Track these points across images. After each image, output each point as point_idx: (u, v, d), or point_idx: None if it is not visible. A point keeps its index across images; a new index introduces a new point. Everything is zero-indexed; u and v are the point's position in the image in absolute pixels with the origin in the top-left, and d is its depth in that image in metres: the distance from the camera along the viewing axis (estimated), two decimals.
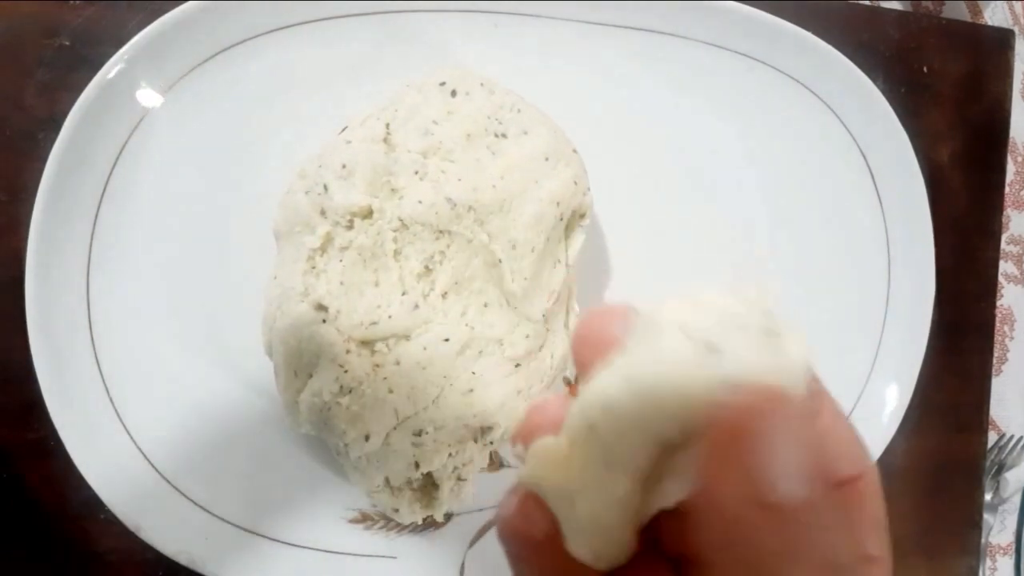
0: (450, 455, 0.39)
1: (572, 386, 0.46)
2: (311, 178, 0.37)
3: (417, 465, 0.38)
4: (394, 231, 0.36)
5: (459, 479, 0.40)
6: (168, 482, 0.40)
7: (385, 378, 0.36)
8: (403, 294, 0.36)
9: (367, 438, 0.37)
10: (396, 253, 0.36)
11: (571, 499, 0.17)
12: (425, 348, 0.36)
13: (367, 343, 0.36)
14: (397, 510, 0.41)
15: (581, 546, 0.17)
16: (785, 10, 0.46)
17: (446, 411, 0.37)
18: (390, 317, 0.35)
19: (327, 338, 0.35)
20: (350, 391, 0.36)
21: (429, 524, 0.43)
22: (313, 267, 0.36)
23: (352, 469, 0.40)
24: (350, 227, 0.36)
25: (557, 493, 0.18)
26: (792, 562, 0.15)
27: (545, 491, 0.18)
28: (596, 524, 0.17)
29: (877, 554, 0.19)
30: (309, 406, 0.37)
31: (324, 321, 0.35)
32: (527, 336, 0.38)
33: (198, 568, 0.40)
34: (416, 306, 0.36)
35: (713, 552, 0.17)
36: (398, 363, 0.36)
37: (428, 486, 0.41)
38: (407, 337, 0.36)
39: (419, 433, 0.37)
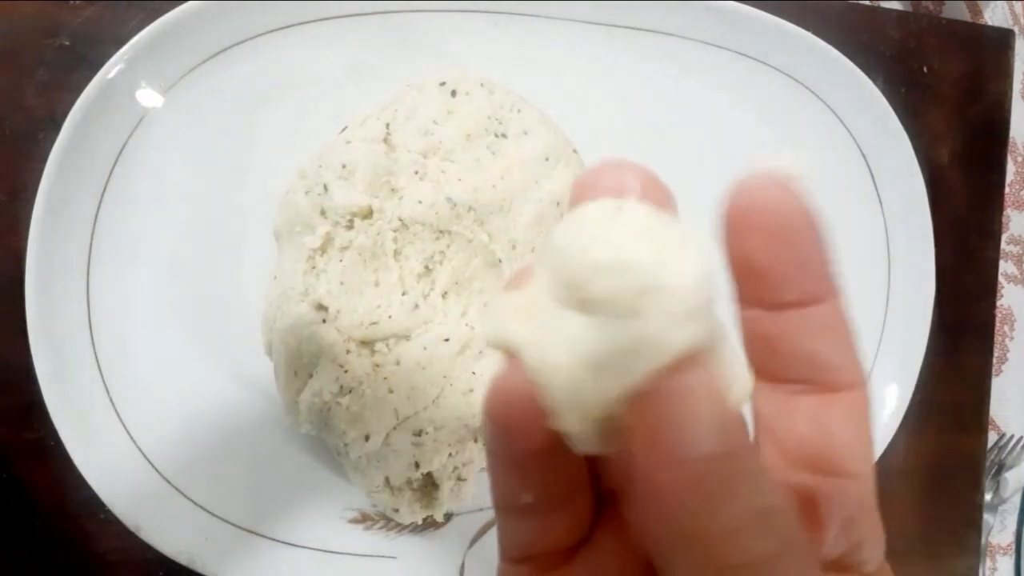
0: (450, 455, 0.39)
1: None
2: (311, 178, 0.37)
3: (417, 465, 0.38)
4: (394, 231, 0.36)
5: (459, 479, 0.40)
6: (168, 482, 0.40)
7: (385, 378, 0.36)
8: (403, 294, 0.36)
9: (367, 438, 0.37)
10: (396, 253, 0.36)
11: (541, 353, 0.16)
12: (425, 348, 0.36)
13: (367, 343, 0.36)
14: (397, 510, 0.41)
15: (565, 413, 0.16)
16: (785, 10, 0.46)
17: (446, 411, 0.37)
18: (390, 317, 0.35)
19: (327, 338, 0.35)
20: (350, 391, 0.36)
21: (429, 524, 0.43)
22: (313, 267, 0.36)
23: (352, 469, 0.40)
24: (350, 227, 0.36)
25: (524, 345, 0.16)
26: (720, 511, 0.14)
27: (517, 349, 0.16)
28: (570, 371, 0.15)
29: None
30: (309, 406, 0.37)
31: (324, 321, 0.35)
32: None
33: (198, 568, 0.40)
34: (416, 306, 0.36)
35: (650, 532, 0.15)
36: (398, 363, 0.36)
37: (428, 486, 0.41)
38: (407, 337, 0.36)
39: (419, 433, 0.37)
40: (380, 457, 0.38)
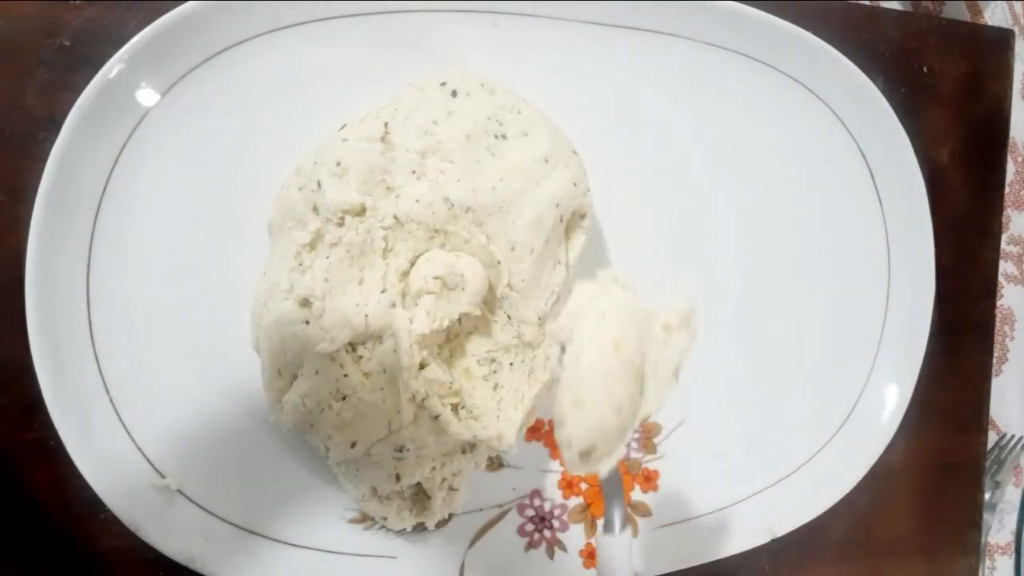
0: (434, 468, 0.39)
1: None
2: (306, 174, 0.37)
3: (398, 477, 0.38)
4: (386, 229, 0.36)
5: (451, 488, 0.40)
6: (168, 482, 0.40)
7: (382, 388, 0.36)
8: (382, 292, 0.35)
9: (353, 444, 0.36)
10: (385, 251, 0.36)
11: None
12: (394, 351, 0.35)
13: (352, 346, 0.35)
14: (386, 518, 0.41)
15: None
16: (785, 10, 0.46)
17: (424, 432, 0.37)
18: (367, 316, 0.35)
19: (312, 339, 0.35)
20: (343, 398, 0.36)
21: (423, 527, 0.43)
22: (300, 263, 0.36)
23: (340, 475, 0.40)
24: (341, 224, 0.36)
25: None
26: None
27: None
28: None
29: None
30: (294, 407, 0.37)
31: (307, 323, 0.35)
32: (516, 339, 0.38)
33: (198, 568, 0.40)
34: (393, 304, 0.35)
35: None
36: (384, 371, 0.35)
37: (419, 495, 0.41)
38: (380, 339, 0.35)
39: (400, 449, 0.37)
40: (361, 465, 0.38)
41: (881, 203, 0.50)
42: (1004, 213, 0.56)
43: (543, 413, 0.45)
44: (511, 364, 0.38)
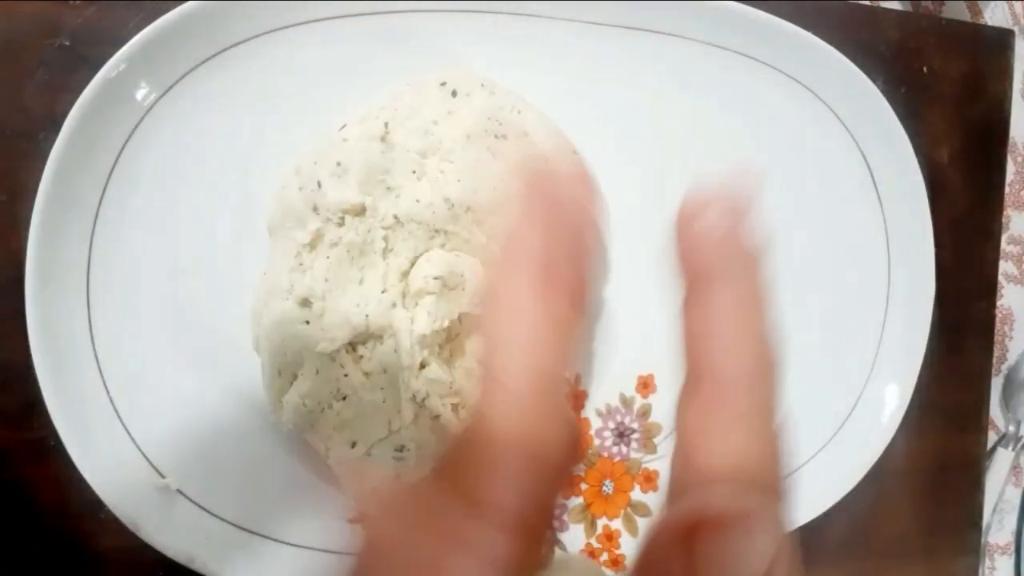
0: (434, 468, 0.39)
1: (573, 386, 0.46)
2: (305, 174, 0.37)
3: (398, 478, 0.38)
4: (386, 228, 0.36)
5: None
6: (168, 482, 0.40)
7: (382, 388, 0.36)
8: (383, 292, 0.36)
9: (353, 445, 0.36)
10: (386, 251, 0.36)
11: None
12: (395, 351, 0.35)
13: (352, 346, 0.35)
14: None
15: None
16: (785, 10, 0.46)
17: (425, 432, 0.37)
18: (367, 316, 0.35)
19: (312, 339, 0.35)
20: (344, 398, 0.36)
21: None
22: (300, 263, 0.36)
23: (340, 475, 0.40)
24: (341, 224, 0.36)
25: None
26: None
27: None
28: None
29: None
30: (295, 408, 0.37)
31: (307, 322, 0.35)
32: None
33: (197, 568, 0.40)
34: (393, 304, 0.35)
35: None
36: (385, 371, 0.35)
37: None
38: (380, 339, 0.35)
39: (400, 449, 0.37)
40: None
41: (881, 203, 0.50)
42: (1004, 213, 0.56)
43: None
44: None
